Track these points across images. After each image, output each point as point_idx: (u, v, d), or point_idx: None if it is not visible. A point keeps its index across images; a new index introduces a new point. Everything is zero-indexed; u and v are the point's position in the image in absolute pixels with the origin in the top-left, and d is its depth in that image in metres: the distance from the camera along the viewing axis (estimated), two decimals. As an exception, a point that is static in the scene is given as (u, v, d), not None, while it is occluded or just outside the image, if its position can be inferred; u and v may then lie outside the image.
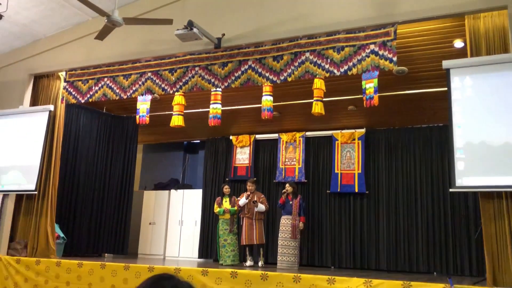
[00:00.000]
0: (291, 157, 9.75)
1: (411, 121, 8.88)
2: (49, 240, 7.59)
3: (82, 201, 8.90)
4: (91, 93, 7.69)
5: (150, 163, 12.20)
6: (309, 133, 9.72)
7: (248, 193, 8.09)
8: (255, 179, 8.63)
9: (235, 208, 8.03)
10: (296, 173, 9.60)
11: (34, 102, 8.24)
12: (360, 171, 9.01)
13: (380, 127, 9.23)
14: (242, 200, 8.03)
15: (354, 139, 9.20)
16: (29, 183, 7.66)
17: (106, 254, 9.38)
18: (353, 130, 9.25)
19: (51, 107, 7.90)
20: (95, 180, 9.21)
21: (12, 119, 8.13)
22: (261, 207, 7.97)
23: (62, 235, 8.12)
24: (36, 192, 7.61)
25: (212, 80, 6.78)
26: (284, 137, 9.85)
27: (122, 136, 9.88)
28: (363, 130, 9.19)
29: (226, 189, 8.27)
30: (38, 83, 8.33)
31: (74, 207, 8.76)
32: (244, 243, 7.97)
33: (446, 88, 5.56)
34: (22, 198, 7.85)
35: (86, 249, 8.90)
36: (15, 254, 7.46)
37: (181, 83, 6.98)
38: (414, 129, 9.00)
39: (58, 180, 7.92)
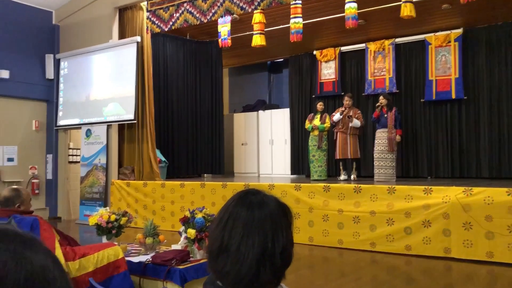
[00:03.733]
0: (380, 67, 9.27)
1: (517, 14, 7.91)
2: (153, 164, 8.21)
3: (178, 127, 9.38)
4: (173, 20, 7.78)
5: (237, 86, 12.38)
6: (399, 40, 9.09)
7: (343, 108, 7.89)
8: (351, 94, 8.33)
9: (324, 125, 7.92)
10: (387, 83, 9.16)
11: (122, 35, 8.56)
12: (457, 76, 8.37)
13: (480, 25, 8.34)
14: (337, 116, 7.88)
15: (450, 41, 8.46)
16: (128, 113, 8.19)
17: (205, 174, 9.97)
18: (448, 32, 8.48)
19: (138, 38, 8.16)
20: (187, 106, 9.59)
21: (104, 54, 8.57)
22: (356, 122, 7.78)
23: (163, 159, 8.72)
24: (135, 121, 8.14)
25: (291, -8, 6.48)
26: (372, 46, 9.33)
27: (208, 61, 10.04)
28: (460, 30, 8.39)
29: (320, 105, 8.11)
30: (123, 16, 8.59)
31: (171, 133, 9.29)
32: (338, 157, 7.96)
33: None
34: (124, 128, 8.47)
35: (186, 170, 9.52)
36: (124, 178, 8.20)
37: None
38: (521, 23, 8.04)
39: (154, 108, 8.38)
